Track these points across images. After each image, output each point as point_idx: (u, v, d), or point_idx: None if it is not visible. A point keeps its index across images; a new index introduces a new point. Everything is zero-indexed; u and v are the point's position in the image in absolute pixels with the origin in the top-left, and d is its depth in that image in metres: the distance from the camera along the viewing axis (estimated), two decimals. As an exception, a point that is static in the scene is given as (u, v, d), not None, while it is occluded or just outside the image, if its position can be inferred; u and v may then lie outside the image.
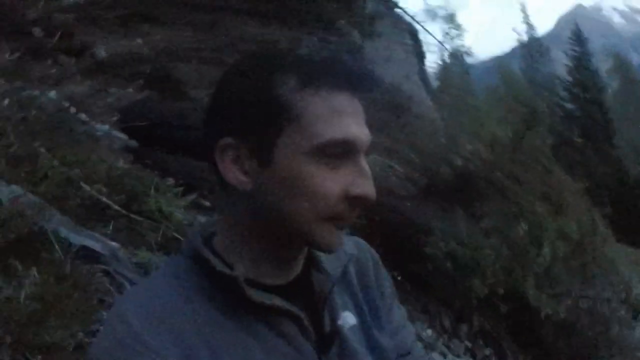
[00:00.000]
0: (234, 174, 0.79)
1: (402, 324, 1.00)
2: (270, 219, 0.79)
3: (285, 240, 0.82)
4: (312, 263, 0.88)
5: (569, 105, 28.86)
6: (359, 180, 0.77)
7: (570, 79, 29.45)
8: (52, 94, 4.82)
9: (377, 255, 1.01)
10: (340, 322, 0.87)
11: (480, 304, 4.22)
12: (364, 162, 0.79)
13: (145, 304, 0.76)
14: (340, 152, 0.77)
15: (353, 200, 0.77)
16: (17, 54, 5.49)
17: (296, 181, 0.76)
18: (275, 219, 0.78)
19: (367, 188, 0.78)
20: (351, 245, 0.96)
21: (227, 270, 0.78)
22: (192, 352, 0.74)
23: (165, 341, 0.72)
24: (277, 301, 0.79)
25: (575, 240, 5.09)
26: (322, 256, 0.88)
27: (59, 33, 6.21)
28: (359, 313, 0.91)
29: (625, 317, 4.92)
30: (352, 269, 0.94)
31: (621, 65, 36.39)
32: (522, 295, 4.27)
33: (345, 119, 0.77)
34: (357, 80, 0.80)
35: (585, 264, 5.13)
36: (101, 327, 0.75)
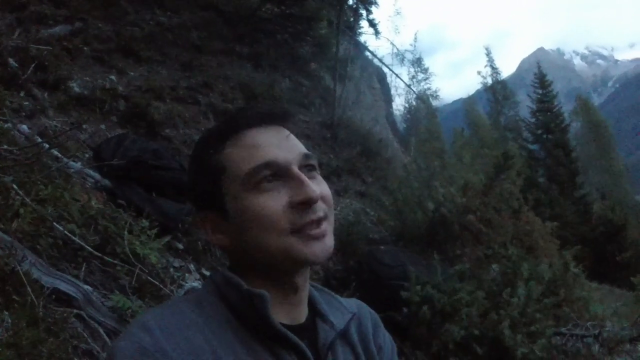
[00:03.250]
0: (216, 238, 0.92)
1: None
2: (256, 258, 0.88)
3: (279, 268, 0.89)
4: (318, 315, 0.97)
5: (532, 147, 29.55)
6: (297, 189, 0.87)
7: (533, 120, 30.23)
8: (24, 127, 4.74)
9: (376, 316, 1.12)
10: None
11: (457, 347, 4.22)
12: (298, 172, 0.89)
13: (166, 317, 0.83)
14: (270, 174, 0.87)
15: (300, 207, 0.86)
16: (-11, 84, 5.36)
17: (246, 216, 0.87)
18: (257, 254, 0.88)
19: (306, 191, 0.87)
20: (353, 304, 1.08)
21: (254, 290, 0.86)
22: None
23: (182, 353, 0.79)
24: (289, 333, 0.87)
25: (548, 280, 5.19)
26: (327, 310, 0.98)
27: (33, 65, 6.12)
28: None
29: (599, 353, 4.97)
30: (353, 326, 1.02)
31: (583, 106, 37.71)
32: (497, 336, 4.29)
33: (262, 148, 0.89)
34: (263, 115, 0.93)
35: (558, 303, 5.22)
36: (122, 334, 0.83)
